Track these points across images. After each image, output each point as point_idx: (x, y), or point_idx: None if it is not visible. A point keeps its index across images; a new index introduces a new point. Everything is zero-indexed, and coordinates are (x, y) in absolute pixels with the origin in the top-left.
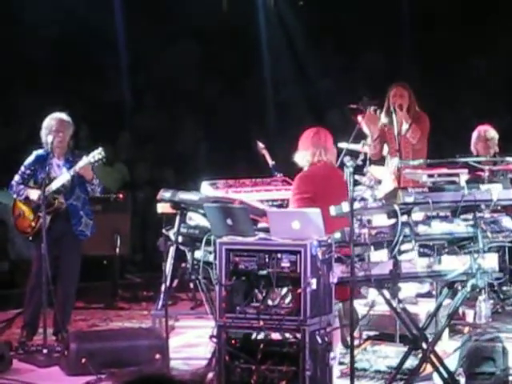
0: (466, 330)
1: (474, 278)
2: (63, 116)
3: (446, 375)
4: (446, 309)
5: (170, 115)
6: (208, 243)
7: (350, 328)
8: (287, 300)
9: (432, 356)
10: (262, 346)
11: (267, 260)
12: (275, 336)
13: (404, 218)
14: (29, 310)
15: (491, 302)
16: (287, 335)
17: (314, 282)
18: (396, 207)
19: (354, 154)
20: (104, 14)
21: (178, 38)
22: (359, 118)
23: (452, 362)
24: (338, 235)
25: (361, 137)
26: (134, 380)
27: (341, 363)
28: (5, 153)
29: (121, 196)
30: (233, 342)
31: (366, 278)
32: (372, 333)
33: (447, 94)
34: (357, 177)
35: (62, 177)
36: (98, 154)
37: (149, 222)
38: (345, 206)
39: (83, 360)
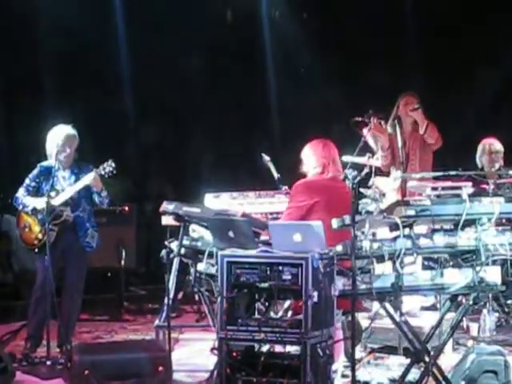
0: (470, 343)
1: (476, 291)
2: (69, 131)
3: None
4: (448, 323)
5: (175, 128)
6: (211, 255)
7: (351, 341)
8: (289, 313)
9: (434, 369)
10: (263, 358)
11: (269, 273)
12: (278, 348)
13: (406, 231)
14: (33, 321)
15: (496, 315)
16: (289, 348)
17: (315, 294)
18: (397, 220)
19: (359, 167)
20: (109, 25)
21: (182, 50)
22: (364, 130)
23: (454, 376)
24: (339, 248)
25: (366, 150)
26: None
27: (344, 376)
28: (9, 163)
29: (126, 208)
30: (234, 354)
31: (368, 290)
32: (376, 346)
33: (451, 106)
34: (362, 190)
35: (70, 189)
36: (108, 166)
37: (154, 235)
38: (347, 219)
39: (86, 372)
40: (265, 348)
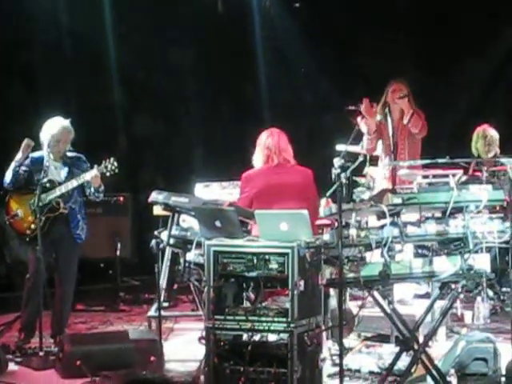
0: (464, 331)
1: (464, 278)
2: (65, 123)
3: (437, 376)
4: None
5: (166, 119)
6: (199, 245)
7: (339, 329)
8: (276, 301)
9: (423, 357)
10: (250, 347)
11: (255, 262)
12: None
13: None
14: (26, 313)
15: (490, 302)
16: (276, 337)
17: (301, 283)
18: (384, 208)
19: (353, 156)
20: (100, 18)
21: (173, 41)
22: (358, 119)
23: (444, 363)
24: (327, 236)
25: (359, 138)
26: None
27: (335, 364)
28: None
29: (121, 199)
30: (222, 343)
31: (356, 279)
32: (369, 334)
33: (444, 95)
34: (356, 178)
35: (68, 183)
36: (110, 164)
37: (148, 225)
38: (333, 208)
39: (78, 362)
40: (255, 337)
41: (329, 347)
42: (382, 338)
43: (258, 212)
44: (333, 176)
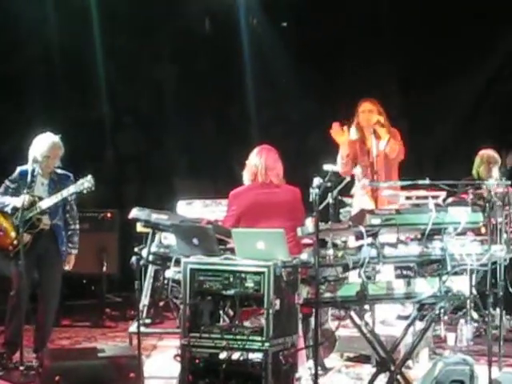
0: (447, 353)
1: (442, 300)
2: (55, 140)
3: None
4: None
5: (151, 136)
6: (178, 262)
7: (314, 349)
8: (251, 320)
9: (400, 378)
10: (224, 365)
11: (232, 280)
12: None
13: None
14: (10, 328)
15: (474, 325)
16: (251, 355)
17: (277, 302)
18: (362, 229)
19: (340, 176)
20: (86, 31)
21: (159, 58)
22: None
23: None
24: (304, 256)
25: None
26: None
27: None
28: None
29: (108, 215)
30: (197, 361)
31: (332, 299)
32: (351, 354)
33: (429, 116)
34: (343, 198)
35: (49, 200)
36: (87, 181)
37: (135, 241)
38: (310, 227)
39: (57, 378)
40: (233, 356)
41: (309, 367)
42: (364, 359)
43: (234, 230)
44: (311, 196)
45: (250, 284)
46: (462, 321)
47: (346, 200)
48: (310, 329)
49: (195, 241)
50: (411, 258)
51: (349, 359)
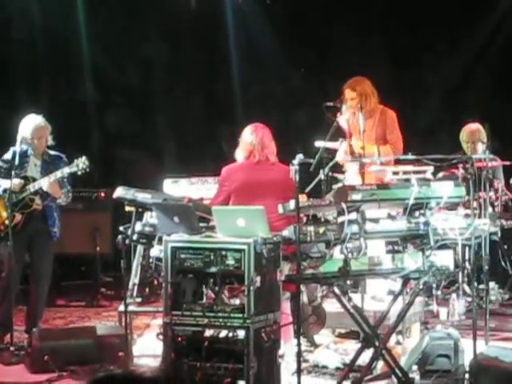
0: (439, 327)
1: (426, 275)
2: (38, 121)
3: (399, 373)
4: (415, 307)
5: (138, 115)
6: (161, 241)
7: (297, 324)
8: (233, 297)
9: (385, 354)
10: (207, 343)
11: (213, 258)
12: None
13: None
14: (2, 309)
15: (467, 299)
16: (233, 332)
17: (258, 279)
18: (343, 205)
19: (331, 152)
20: (71, 13)
21: (145, 36)
22: (338, 115)
23: (408, 360)
24: (285, 233)
25: (338, 135)
26: (99, 379)
27: (305, 360)
28: None
29: (102, 194)
30: (179, 339)
31: (314, 275)
32: (343, 330)
33: (416, 91)
34: (336, 175)
35: (41, 181)
36: (81, 163)
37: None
38: (291, 204)
39: (46, 357)
40: (215, 333)
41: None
42: (355, 335)
43: (214, 208)
44: (291, 172)
45: (230, 261)
46: (453, 295)
47: (339, 176)
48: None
49: (176, 219)
50: (394, 233)
51: (340, 335)
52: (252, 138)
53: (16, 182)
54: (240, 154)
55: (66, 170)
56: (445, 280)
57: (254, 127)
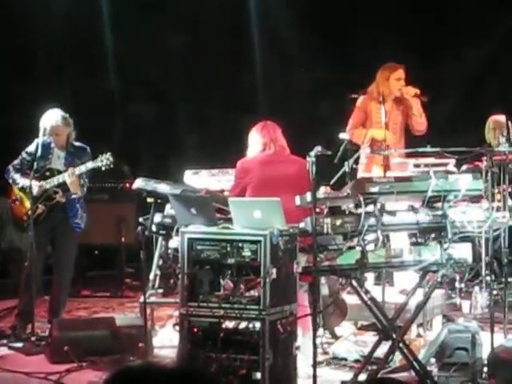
0: (461, 320)
1: (444, 267)
2: (57, 117)
3: (417, 366)
4: (437, 300)
5: (161, 105)
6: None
7: (313, 316)
8: (249, 289)
9: (402, 346)
10: (222, 334)
11: (229, 249)
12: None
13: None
14: (23, 298)
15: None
16: (249, 324)
17: (274, 271)
18: (360, 197)
19: (355, 145)
20: (92, 5)
21: (168, 26)
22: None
23: (426, 353)
24: (302, 225)
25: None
26: (118, 371)
27: (325, 353)
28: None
29: (128, 185)
30: (195, 330)
31: (331, 267)
32: (365, 322)
33: (437, 83)
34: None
35: (65, 174)
36: (106, 159)
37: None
38: (308, 197)
39: (65, 348)
40: (231, 325)
41: (319, 335)
42: (377, 327)
43: (231, 199)
44: (308, 164)
45: (246, 253)
46: (476, 288)
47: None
48: (318, 298)
49: (193, 210)
50: (412, 225)
51: (362, 327)
52: (265, 133)
53: (36, 187)
54: (253, 150)
55: (90, 165)
56: (468, 273)
57: (264, 123)
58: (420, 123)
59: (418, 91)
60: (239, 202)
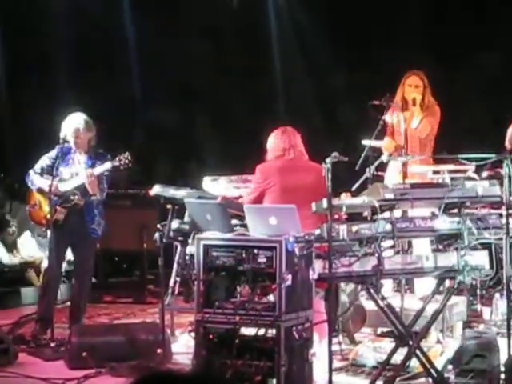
0: (481, 327)
1: (461, 274)
2: (80, 121)
3: (433, 373)
4: (458, 306)
5: (182, 113)
6: None
7: (329, 323)
8: (264, 296)
9: (419, 353)
10: (238, 340)
11: (244, 256)
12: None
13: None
14: (43, 304)
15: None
16: (265, 330)
17: (289, 277)
18: (376, 203)
19: (377, 151)
20: (115, 11)
21: (189, 32)
22: (385, 112)
23: (445, 360)
24: (318, 231)
25: (383, 133)
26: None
27: (345, 359)
28: (18, 148)
29: (150, 192)
30: (211, 336)
31: (347, 274)
32: (385, 329)
33: (460, 90)
34: (381, 173)
35: (83, 175)
36: (124, 158)
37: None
38: (324, 203)
39: (84, 354)
40: (247, 331)
41: (338, 341)
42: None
43: (247, 206)
44: (324, 171)
45: (262, 259)
46: (497, 295)
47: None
48: (339, 303)
49: (208, 217)
50: (428, 232)
51: (382, 334)
52: (284, 139)
53: (54, 186)
54: (273, 155)
55: (108, 165)
56: (490, 280)
57: (283, 130)
58: (420, 128)
59: (416, 96)
60: (254, 208)
